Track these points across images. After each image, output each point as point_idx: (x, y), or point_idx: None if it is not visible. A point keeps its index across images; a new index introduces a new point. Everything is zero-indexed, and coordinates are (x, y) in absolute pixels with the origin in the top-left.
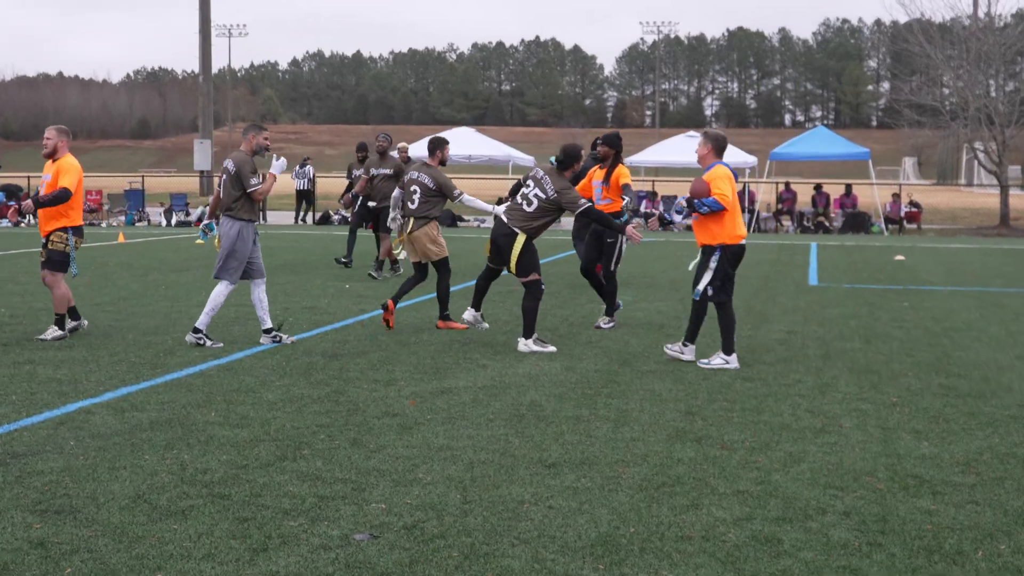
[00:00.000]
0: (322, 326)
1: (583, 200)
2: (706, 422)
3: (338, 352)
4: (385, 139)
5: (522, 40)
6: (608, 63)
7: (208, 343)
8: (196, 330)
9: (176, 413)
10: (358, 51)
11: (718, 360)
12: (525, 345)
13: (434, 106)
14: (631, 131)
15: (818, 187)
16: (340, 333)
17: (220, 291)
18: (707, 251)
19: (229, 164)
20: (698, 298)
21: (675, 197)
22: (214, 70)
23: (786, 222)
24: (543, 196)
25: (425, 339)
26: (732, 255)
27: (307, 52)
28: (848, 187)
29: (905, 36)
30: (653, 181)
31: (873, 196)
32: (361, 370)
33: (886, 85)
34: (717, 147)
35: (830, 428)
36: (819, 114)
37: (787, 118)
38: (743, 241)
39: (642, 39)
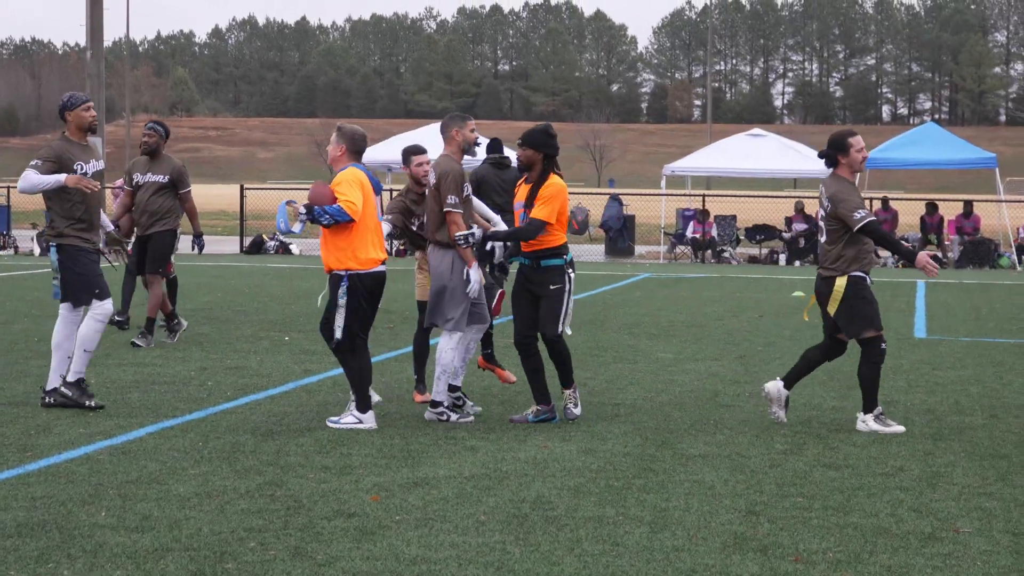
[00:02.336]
0: (252, 393)
1: (862, 213)
2: (774, 525)
3: (274, 429)
4: (154, 131)
5: (526, 4)
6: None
7: (454, 418)
8: (435, 403)
9: (52, 513)
10: (303, 18)
11: (349, 418)
12: (864, 424)
13: (406, 92)
14: (673, 127)
15: (930, 205)
16: (277, 403)
17: (447, 345)
18: (334, 280)
19: (432, 176)
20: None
21: (733, 217)
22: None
23: (883, 252)
24: (823, 214)
25: (393, 411)
26: (364, 286)
27: (233, 19)
28: (968, 205)
29: None
30: (703, 196)
31: (1002, 217)
32: (305, 454)
33: (1019, 67)
34: (353, 147)
35: (943, 534)
36: (928, 106)
37: (885, 111)
38: (379, 268)
39: (689, 3)
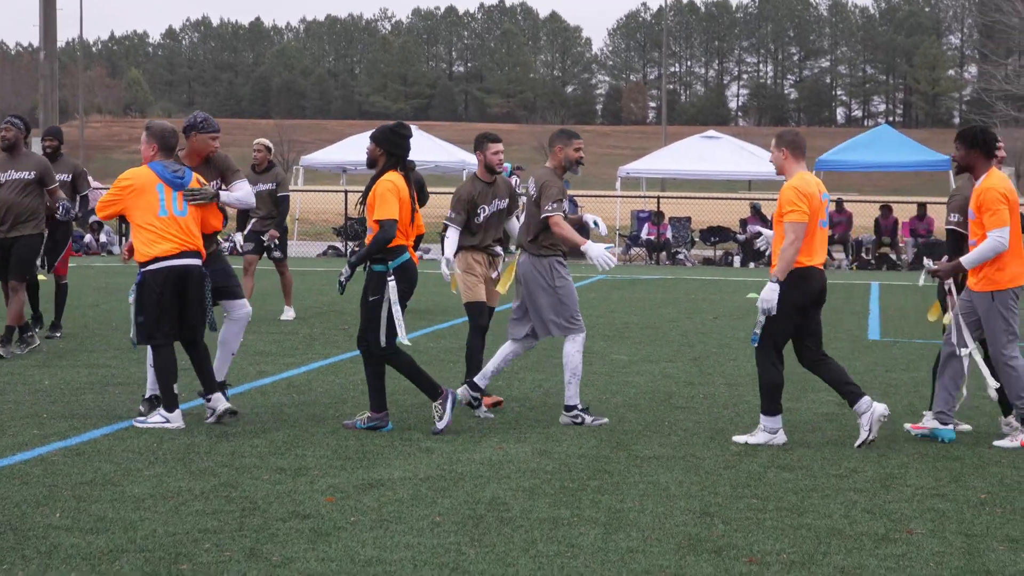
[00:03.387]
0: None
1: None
2: (729, 526)
3: (229, 431)
4: (12, 125)
5: (481, 5)
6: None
7: (589, 420)
8: (569, 407)
9: (6, 514)
10: (257, 19)
11: (156, 417)
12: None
13: (361, 93)
14: (628, 129)
15: (884, 207)
16: (231, 404)
17: (572, 349)
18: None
19: (531, 185)
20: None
21: (688, 219)
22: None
23: (837, 254)
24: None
25: (348, 412)
26: (156, 281)
27: (187, 20)
28: (922, 207)
29: (998, 3)
30: (658, 198)
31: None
32: (260, 455)
33: (973, 70)
34: (164, 144)
35: (896, 535)
36: (882, 108)
37: (839, 113)
38: (173, 262)
39: (644, 5)
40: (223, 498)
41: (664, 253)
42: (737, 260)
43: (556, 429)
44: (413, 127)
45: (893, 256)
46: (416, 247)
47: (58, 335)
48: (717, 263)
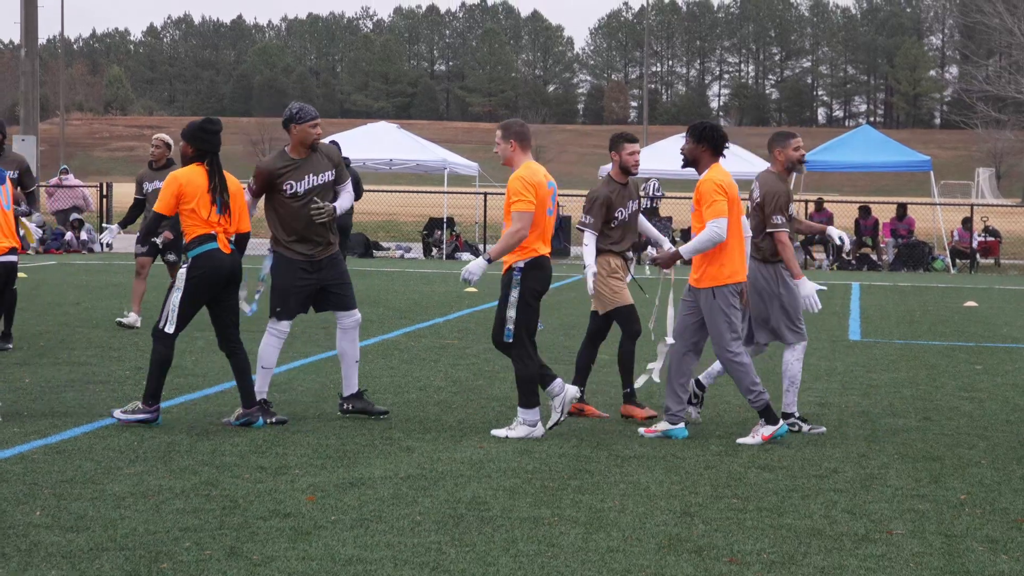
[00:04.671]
0: (187, 392)
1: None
2: (709, 526)
3: (209, 429)
4: None
5: (462, 4)
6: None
7: (807, 428)
8: (786, 415)
9: None
10: (239, 16)
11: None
12: None
13: (342, 91)
14: (609, 129)
15: (864, 208)
16: (212, 402)
17: (792, 357)
18: None
19: (756, 190)
20: None
21: (669, 219)
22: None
23: (818, 254)
24: None
25: (329, 411)
26: None
27: (169, 17)
28: (902, 208)
29: (979, 4)
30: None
31: (936, 220)
32: (241, 453)
33: (954, 71)
34: None
35: (876, 535)
36: (863, 108)
37: (821, 113)
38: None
39: (625, 4)
40: (204, 496)
41: (645, 252)
42: None
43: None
44: (393, 127)
45: (874, 256)
46: (243, 245)
47: (9, 346)
48: None
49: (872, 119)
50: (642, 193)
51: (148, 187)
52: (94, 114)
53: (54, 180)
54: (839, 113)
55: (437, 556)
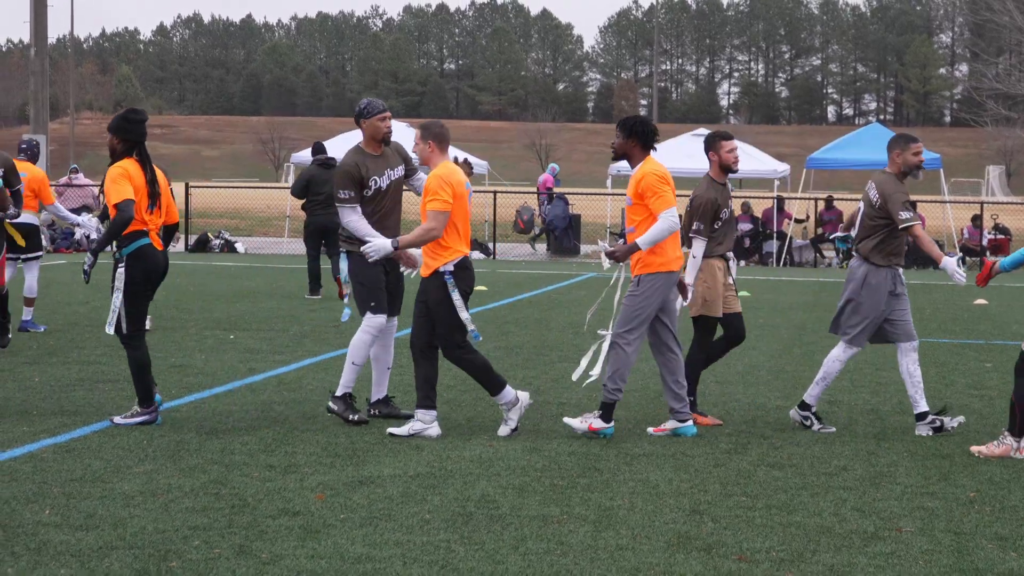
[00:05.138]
0: (196, 392)
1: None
2: (718, 524)
3: (219, 427)
4: None
5: (472, 3)
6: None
7: (817, 426)
8: (804, 405)
9: None
10: (248, 16)
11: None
12: None
13: (352, 91)
14: None
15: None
16: (221, 401)
17: (838, 356)
18: None
19: (871, 190)
20: None
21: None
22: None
23: (828, 252)
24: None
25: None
26: None
27: (179, 17)
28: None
29: (988, 2)
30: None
31: (945, 218)
32: (250, 452)
33: (964, 68)
34: None
35: (885, 533)
36: (873, 106)
37: (830, 111)
38: None
39: (635, 2)
40: (213, 495)
41: (596, 247)
42: None
43: (546, 426)
44: (403, 126)
45: None
46: (170, 237)
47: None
48: None
49: (882, 117)
50: None
51: None
52: (104, 113)
53: (64, 179)
54: (849, 111)
55: (446, 554)
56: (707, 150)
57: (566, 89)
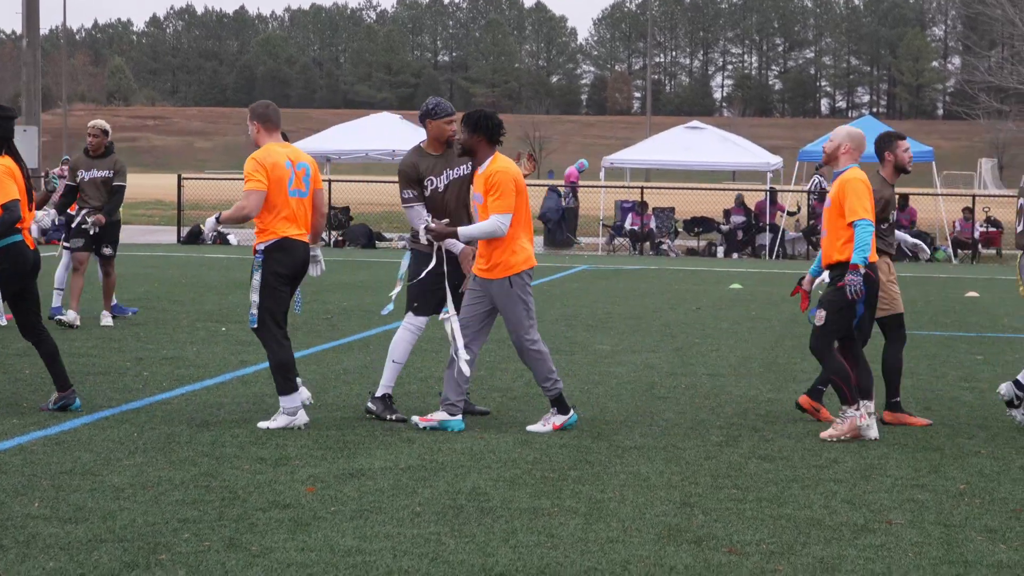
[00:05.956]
0: (188, 383)
1: None
2: (708, 517)
3: (209, 420)
4: None
5: None
6: (583, 27)
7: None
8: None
9: None
10: (242, 7)
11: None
12: None
13: (346, 82)
14: (612, 119)
15: None
16: (212, 393)
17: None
18: None
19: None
20: None
21: (672, 209)
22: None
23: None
24: None
25: (329, 402)
26: None
27: (171, 8)
28: (904, 199)
29: None
30: (642, 188)
31: (938, 210)
32: (241, 445)
33: (956, 61)
34: None
35: (875, 525)
36: (866, 99)
37: (824, 104)
38: None
39: None
40: (203, 488)
41: (648, 243)
42: (720, 250)
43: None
44: (396, 118)
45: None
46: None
47: None
48: (700, 253)
49: (875, 110)
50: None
51: (84, 175)
52: (96, 105)
53: (56, 170)
54: (842, 104)
55: (437, 547)
56: (883, 150)
57: (560, 81)
